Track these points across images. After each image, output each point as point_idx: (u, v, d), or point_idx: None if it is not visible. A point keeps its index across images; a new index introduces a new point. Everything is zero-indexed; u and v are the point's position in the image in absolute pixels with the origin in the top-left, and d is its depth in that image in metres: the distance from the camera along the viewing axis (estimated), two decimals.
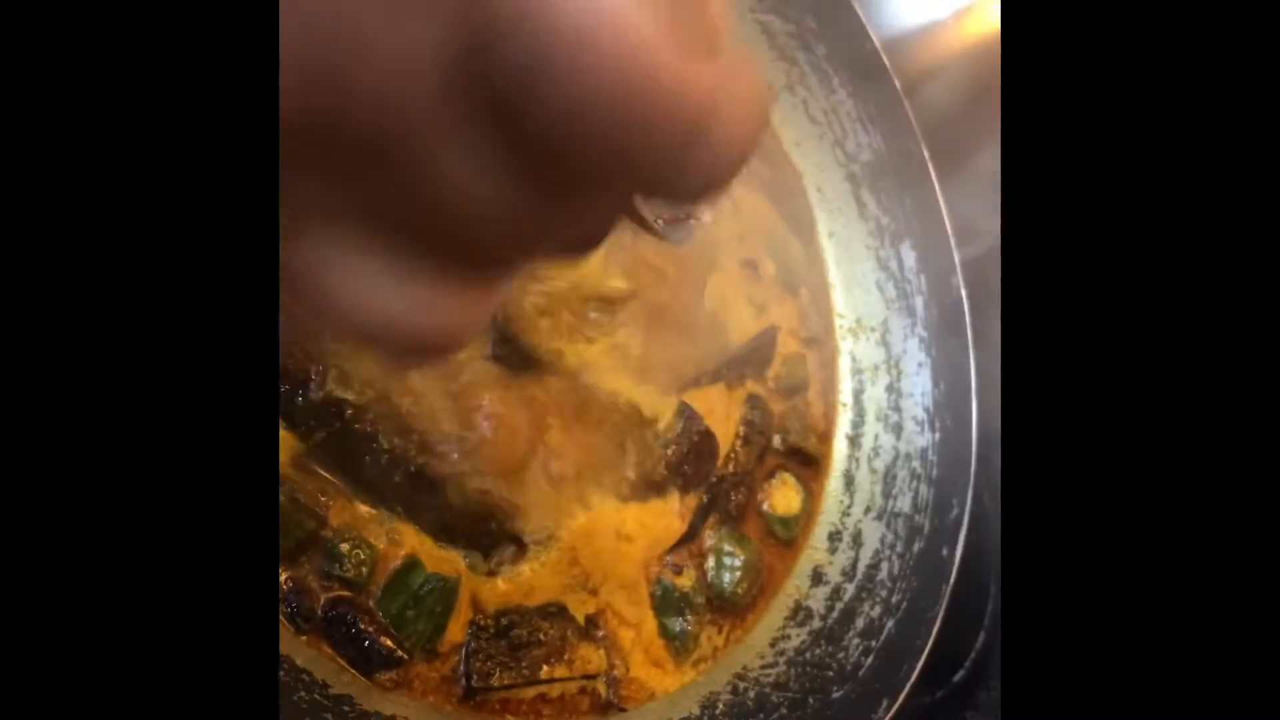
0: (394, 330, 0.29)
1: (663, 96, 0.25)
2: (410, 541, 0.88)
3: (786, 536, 1.13)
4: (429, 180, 0.26)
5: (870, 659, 1.04)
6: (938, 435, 1.18)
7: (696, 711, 0.98)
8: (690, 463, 1.04)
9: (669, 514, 1.03)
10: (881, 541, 1.15)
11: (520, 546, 0.93)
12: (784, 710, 0.99)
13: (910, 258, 1.26)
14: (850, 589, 1.12)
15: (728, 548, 1.06)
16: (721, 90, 0.27)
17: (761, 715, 0.99)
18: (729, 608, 1.06)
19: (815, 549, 1.15)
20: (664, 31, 0.25)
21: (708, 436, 1.06)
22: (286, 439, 0.85)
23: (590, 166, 0.26)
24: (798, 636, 1.07)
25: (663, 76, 0.24)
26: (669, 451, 1.02)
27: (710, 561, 1.05)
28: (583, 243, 0.33)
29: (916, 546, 1.12)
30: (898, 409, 1.23)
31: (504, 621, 0.90)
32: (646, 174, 0.28)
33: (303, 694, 0.78)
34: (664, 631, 1.00)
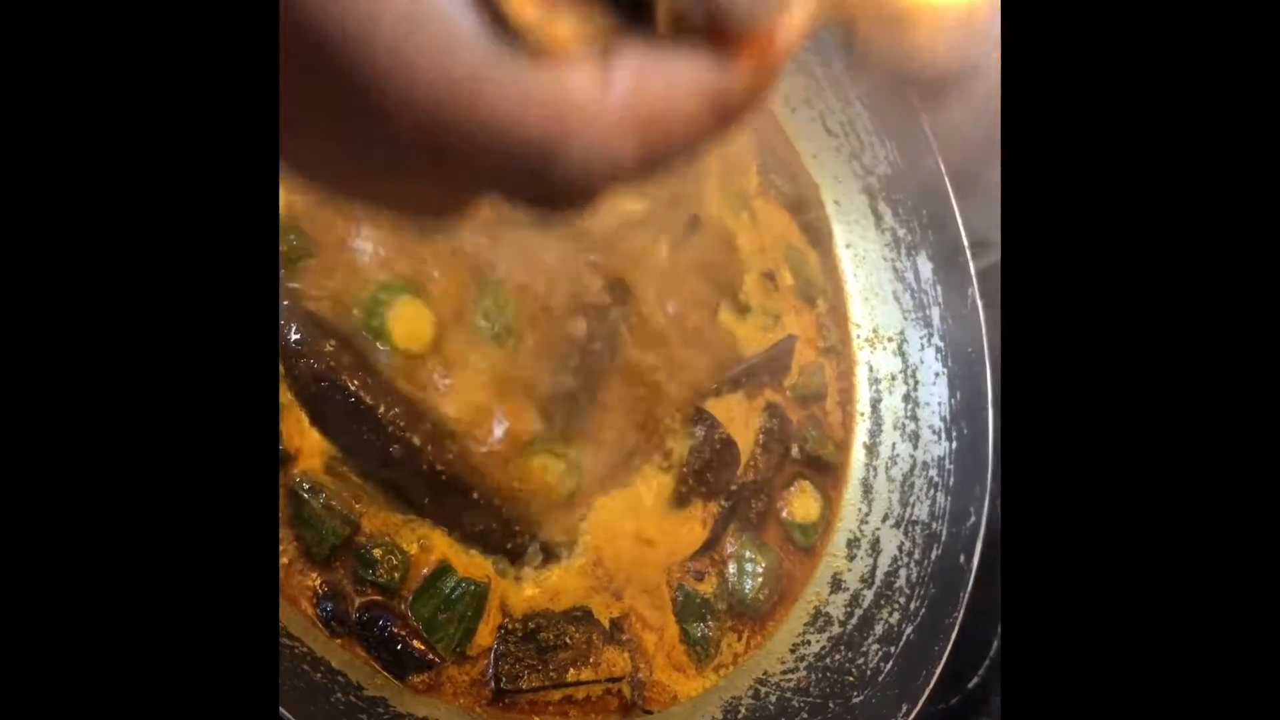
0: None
1: (490, 103, 0.25)
2: (441, 547, 0.90)
3: (805, 543, 1.15)
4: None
5: (889, 665, 1.06)
6: (955, 444, 1.20)
7: (719, 715, 1.00)
8: (712, 471, 1.06)
9: (691, 520, 1.05)
10: (899, 549, 1.17)
11: (547, 552, 0.95)
12: (804, 715, 1.01)
13: (926, 269, 1.28)
14: (869, 595, 1.13)
15: (749, 554, 1.08)
16: (574, 105, 0.26)
17: (783, 719, 1.00)
18: (750, 614, 1.07)
19: (834, 556, 1.17)
20: (494, 39, 0.25)
21: (729, 444, 1.08)
22: (320, 444, 0.87)
23: (427, 153, 0.27)
24: (818, 642, 1.09)
25: (489, 85, 0.25)
26: (692, 460, 1.04)
27: (731, 568, 1.07)
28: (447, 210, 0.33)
29: (934, 554, 1.14)
30: (915, 418, 1.25)
31: (531, 625, 0.92)
32: (492, 174, 0.28)
33: (339, 695, 0.80)
34: (685, 637, 1.01)
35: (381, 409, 0.87)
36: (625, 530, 1.01)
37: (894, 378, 1.28)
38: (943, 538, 1.14)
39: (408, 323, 0.90)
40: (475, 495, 0.91)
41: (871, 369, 1.30)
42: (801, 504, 1.16)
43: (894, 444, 1.25)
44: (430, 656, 0.86)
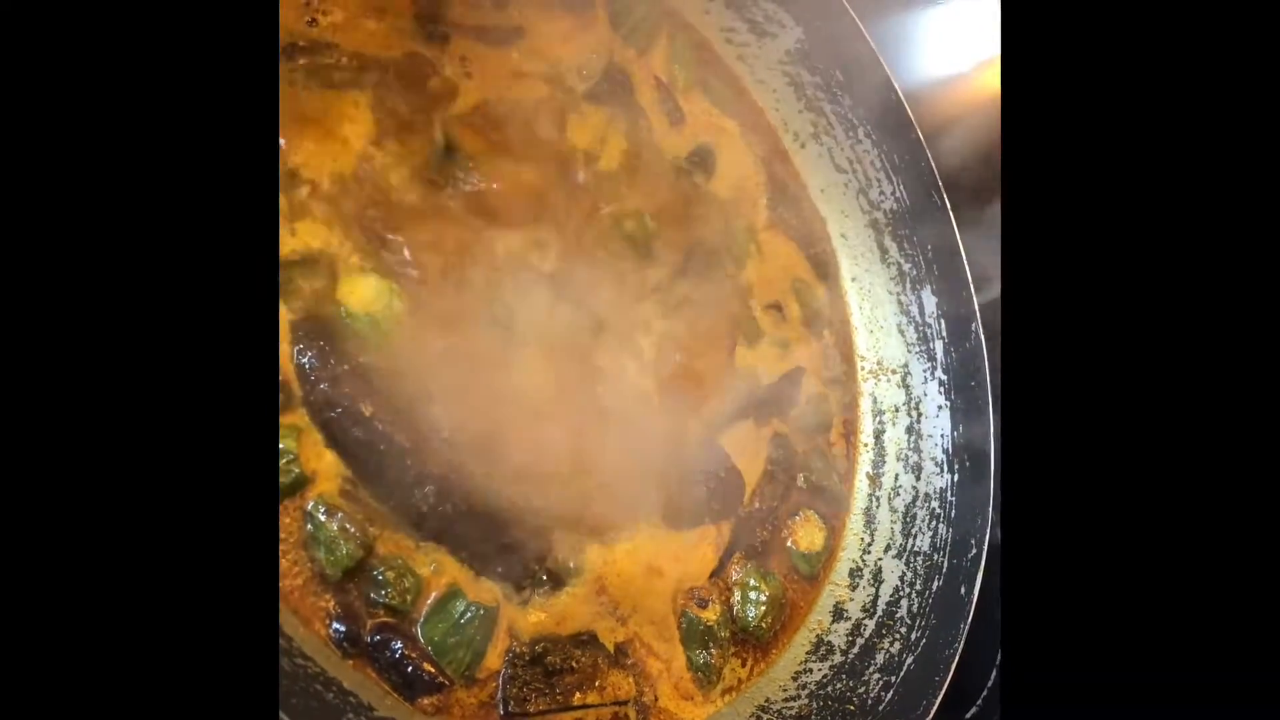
0: None
1: None
2: (452, 571, 0.91)
3: (809, 572, 1.16)
4: None
5: (890, 694, 1.07)
6: (957, 476, 1.21)
7: None
8: (718, 499, 1.07)
9: (703, 545, 1.06)
10: (901, 579, 1.18)
11: (554, 578, 0.96)
12: None
13: (930, 303, 1.30)
14: (870, 625, 1.15)
15: (753, 582, 1.09)
16: None
17: None
18: (753, 641, 1.09)
19: (837, 585, 1.19)
20: None
21: (735, 474, 1.09)
22: (336, 468, 0.89)
23: None
24: (819, 670, 1.10)
25: None
26: (699, 489, 1.06)
27: (736, 595, 1.08)
28: None
29: (935, 585, 1.15)
30: (918, 450, 1.27)
31: (539, 649, 0.93)
32: None
33: (350, 716, 0.81)
34: (690, 663, 1.03)
35: (394, 434, 0.89)
36: (633, 557, 1.02)
37: (897, 410, 1.30)
38: (944, 569, 1.16)
39: (360, 291, 0.92)
40: (488, 521, 0.93)
41: (875, 401, 1.32)
42: (806, 533, 1.17)
43: (897, 475, 1.26)
44: (440, 679, 0.87)
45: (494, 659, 0.91)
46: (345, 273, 0.92)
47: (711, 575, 1.08)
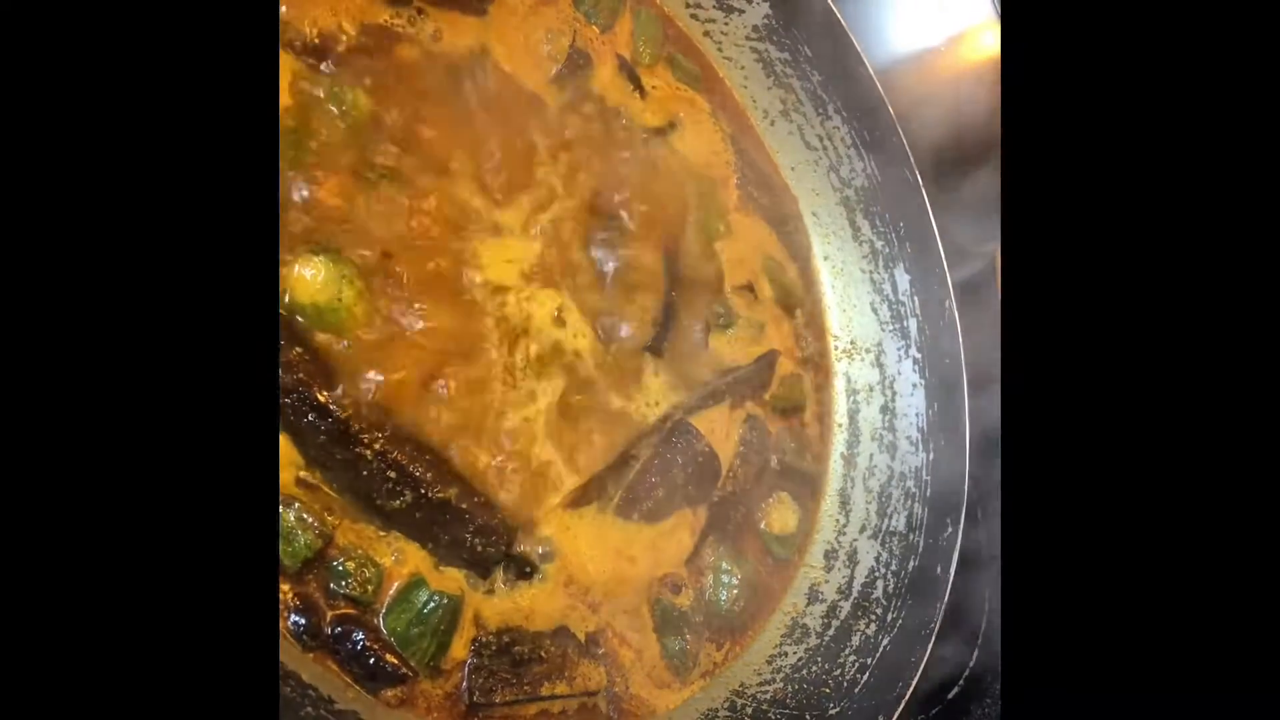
0: None
1: None
2: (415, 560, 0.89)
3: (783, 555, 1.15)
4: None
5: (866, 676, 1.05)
6: (932, 455, 1.20)
7: None
8: (693, 482, 1.06)
9: (679, 531, 1.05)
10: (877, 560, 1.17)
11: (521, 567, 0.94)
12: None
13: (904, 281, 1.28)
14: (846, 607, 1.13)
15: (725, 566, 1.07)
16: None
17: None
18: (726, 625, 1.07)
19: (812, 567, 1.17)
20: None
21: (710, 457, 1.08)
22: (292, 456, 0.86)
23: None
24: (794, 654, 1.09)
25: None
26: (674, 472, 1.04)
27: (708, 579, 1.07)
28: None
29: (911, 564, 1.14)
30: (892, 429, 1.25)
31: (506, 639, 0.91)
32: None
33: (309, 709, 0.79)
34: (664, 651, 1.01)
35: (350, 419, 0.87)
36: (604, 546, 1.00)
37: (872, 389, 1.29)
38: (920, 549, 1.14)
39: (310, 282, 0.89)
40: (450, 505, 0.91)
41: (849, 380, 1.30)
42: (779, 515, 1.15)
43: (872, 455, 1.25)
44: (403, 670, 0.85)
45: (459, 649, 0.89)
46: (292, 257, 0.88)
47: (688, 561, 1.06)
